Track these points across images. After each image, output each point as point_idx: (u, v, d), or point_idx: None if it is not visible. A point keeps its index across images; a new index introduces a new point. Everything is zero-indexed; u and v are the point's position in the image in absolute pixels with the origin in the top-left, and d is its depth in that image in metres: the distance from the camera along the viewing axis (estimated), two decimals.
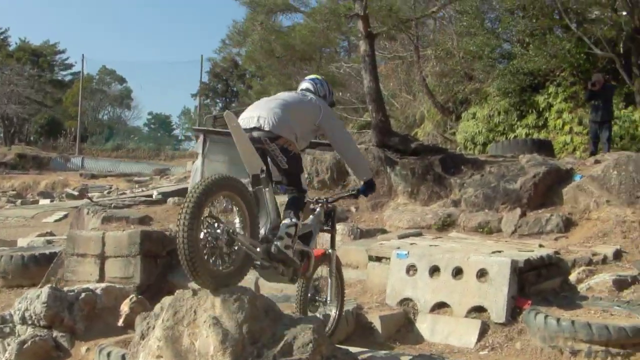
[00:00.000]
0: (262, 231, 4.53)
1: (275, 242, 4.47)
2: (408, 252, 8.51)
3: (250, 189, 4.49)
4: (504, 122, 19.44)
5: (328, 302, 5.49)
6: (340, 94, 26.45)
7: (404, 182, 12.70)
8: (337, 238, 10.21)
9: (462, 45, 20.66)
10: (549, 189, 11.41)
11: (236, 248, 4.22)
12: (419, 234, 10.62)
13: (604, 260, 8.94)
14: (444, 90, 22.37)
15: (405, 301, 8.33)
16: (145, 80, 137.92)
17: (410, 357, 4.47)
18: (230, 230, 4.15)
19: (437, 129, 22.48)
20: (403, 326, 8.09)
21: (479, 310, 7.81)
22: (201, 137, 21.76)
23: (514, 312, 7.69)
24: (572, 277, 8.61)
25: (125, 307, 7.72)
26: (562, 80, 18.45)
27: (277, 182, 4.92)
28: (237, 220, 4.31)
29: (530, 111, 19.00)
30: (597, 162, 11.82)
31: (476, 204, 11.47)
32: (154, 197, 16.34)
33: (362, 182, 5.38)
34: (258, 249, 4.39)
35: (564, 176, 11.63)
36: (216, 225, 4.13)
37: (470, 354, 7.39)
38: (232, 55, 56.17)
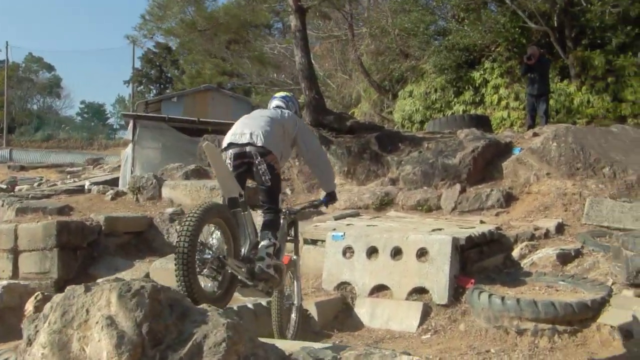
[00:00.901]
0: (242, 251, 4.67)
1: (258, 264, 4.63)
2: (344, 234, 8.03)
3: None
4: (441, 99, 19.20)
5: (295, 304, 5.69)
6: (275, 75, 25.81)
7: (340, 161, 12.21)
8: None
9: (396, 23, 20.27)
10: (488, 163, 11.11)
11: (225, 272, 4.39)
12: (356, 215, 10.16)
13: (547, 235, 8.72)
14: (379, 69, 21.98)
15: (342, 285, 7.93)
16: (76, 68, 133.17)
17: (351, 350, 3.87)
18: (221, 256, 4.31)
19: (374, 108, 22.11)
20: (341, 312, 7.68)
21: (420, 291, 7.47)
22: (131, 123, 20.94)
23: (456, 292, 7.38)
24: (515, 253, 8.36)
25: (30, 306, 6.90)
26: (497, 55, 18.26)
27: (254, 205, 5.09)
28: (223, 245, 4.44)
29: (466, 87, 18.78)
30: (535, 135, 11.57)
31: (414, 181, 11.07)
32: (86, 187, 15.46)
33: (325, 193, 5.63)
34: (243, 270, 4.55)
35: (504, 150, 11.35)
36: (207, 251, 4.26)
37: (412, 339, 7.00)
38: (153, 32, 54.64)
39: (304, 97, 13.31)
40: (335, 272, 7.97)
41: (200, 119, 21.44)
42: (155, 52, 61.18)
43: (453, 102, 18.91)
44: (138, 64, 61.49)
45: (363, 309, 7.57)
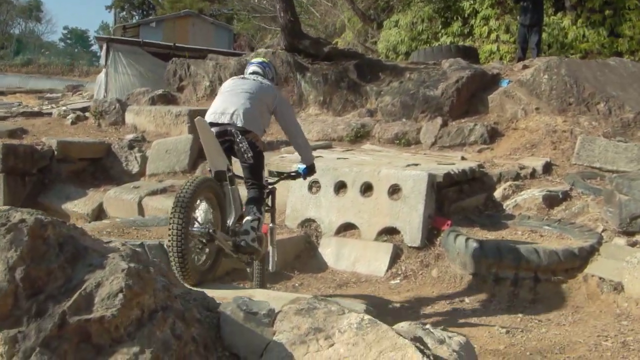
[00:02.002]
0: (228, 223, 4.78)
1: (243, 237, 4.72)
2: None
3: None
4: (428, 30, 18.18)
5: (271, 270, 5.60)
6: (256, 1, 24.62)
7: (315, 90, 11.39)
8: None
9: None
10: (473, 95, 10.33)
11: (212, 245, 4.54)
12: (328, 146, 9.42)
13: (533, 174, 8.12)
14: None
15: (307, 222, 7.26)
16: None
17: (292, 304, 3.12)
18: (211, 230, 4.40)
19: (358, 38, 21.07)
20: (304, 251, 7.02)
21: (390, 232, 6.81)
22: (104, 47, 19.96)
23: (430, 235, 6.74)
24: (498, 194, 7.75)
25: None
26: None
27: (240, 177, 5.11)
28: (210, 217, 4.55)
29: (455, 18, 17.75)
30: (525, 67, 10.74)
31: (393, 113, 10.27)
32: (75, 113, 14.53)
33: (304, 165, 5.53)
34: (229, 242, 4.66)
35: (490, 82, 10.56)
36: (197, 225, 4.37)
37: (380, 284, 6.39)
38: None
39: (279, 20, 12.33)
40: (300, 208, 7.25)
41: (177, 44, 20.56)
42: None
43: (440, 34, 17.94)
44: None
45: (328, 249, 6.92)
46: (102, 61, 20.38)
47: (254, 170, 5.00)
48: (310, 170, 5.57)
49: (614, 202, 6.53)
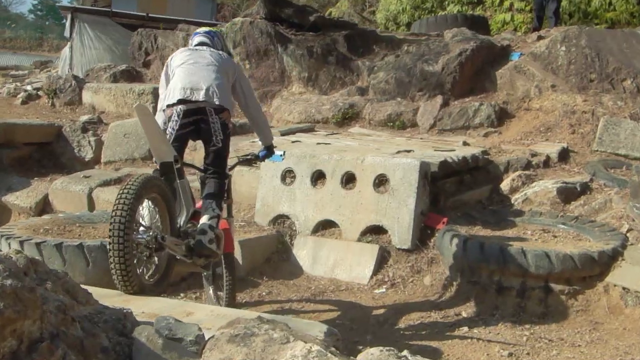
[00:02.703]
0: (178, 222, 4.58)
1: (199, 237, 4.48)
2: (284, 153, 6.80)
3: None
4: None
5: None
6: None
7: (299, 65, 10.89)
8: None
9: None
10: (479, 71, 9.86)
11: (161, 253, 4.29)
12: (310, 130, 8.96)
13: (547, 163, 7.71)
14: None
15: (279, 219, 6.86)
16: None
17: (227, 329, 2.69)
18: (159, 237, 4.16)
19: (354, 8, 20.63)
20: (275, 253, 6.61)
21: (376, 231, 6.40)
22: (68, 18, 19.49)
23: (423, 235, 6.36)
24: (505, 185, 7.35)
25: None
26: None
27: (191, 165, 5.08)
28: (157, 221, 4.34)
29: None
30: (540, 38, 10.26)
31: (387, 91, 9.81)
32: (34, 91, 14.04)
33: (263, 146, 5.42)
34: (182, 247, 4.43)
35: (499, 55, 10.09)
36: (142, 231, 4.14)
37: (362, 292, 6.05)
38: None
39: None
40: (271, 203, 6.81)
41: (150, 15, 20.11)
42: None
43: (447, 2, 17.57)
44: None
45: (304, 251, 6.51)
46: (67, 33, 19.89)
47: (221, 155, 4.82)
48: (269, 151, 5.42)
49: None
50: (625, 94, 8.71)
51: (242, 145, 7.69)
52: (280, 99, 10.49)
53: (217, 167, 4.81)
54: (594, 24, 14.06)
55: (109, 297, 3.77)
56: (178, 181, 4.54)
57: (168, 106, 4.70)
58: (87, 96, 11.20)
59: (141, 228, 4.15)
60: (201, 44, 5.15)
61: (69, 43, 19.34)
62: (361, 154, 6.61)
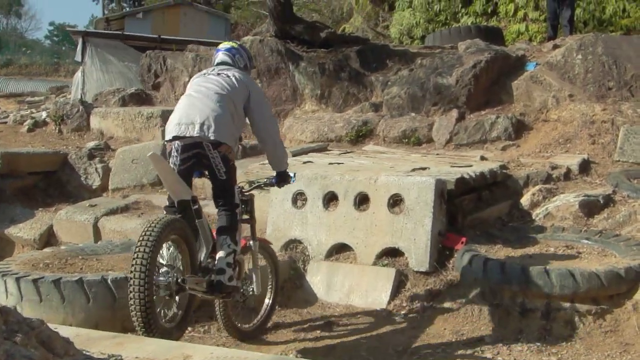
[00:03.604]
0: (200, 258, 4.69)
1: (219, 277, 4.59)
2: (294, 175, 6.54)
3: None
4: (446, 9, 17.59)
5: (255, 293, 5.31)
6: None
7: (311, 82, 10.73)
8: None
9: None
10: (494, 82, 9.65)
11: (184, 294, 4.43)
12: (323, 149, 8.77)
13: (567, 175, 7.50)
14: None
15: (291, 244, 6.67)
16: None
17: None
18: (179, 280, 4.29)
19: (367, 23, 20.47)
20: (288, 280, 6.38)
21: (392, 254, 6.19)
22: (80, 42, 19.49)
23: (441, 256, 6.13)
24: (525, 200, 7.14)
25: None
26: None
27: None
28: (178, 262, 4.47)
29: None
30: (556, 47, 10.05)
31: (401, 106, 9.60)
32: (42, 118, 13.98)
33: (275, 173, 5.36)
34: (203, 284, 4.53)
35: (514, 66, 9.89)
36: (163, 272, 4.28)
37: (380, 319, 5.81)
38: None
39: (267, 2, 11.69)
40: (283, 227, 6.61)
41: (162, 37, 20.08)
42: None
43: (460, 14, 17.42)
44: None
45: (317, 277, 6.30)
46: (78, 58, 19.90)
47: (226, 188, 4.83)
48: (281, 179, 5.36)
49: None
50: None
51: (251, 167, 7.54)
52: (293, 118, 10.31)
53: (224, 199, 4.81)
54: (609, 31, 13.85)
55: (102, 340, 3.57)
56: (197, 221, 4.64)
57: (167, 142, 4.76)
58: (95, 121, 11.06)
59: (162, 269, 4.28)
60: (222, 62, 5.11)
61: (81, 67, 19.36)
62: (374, 174, 6.41)
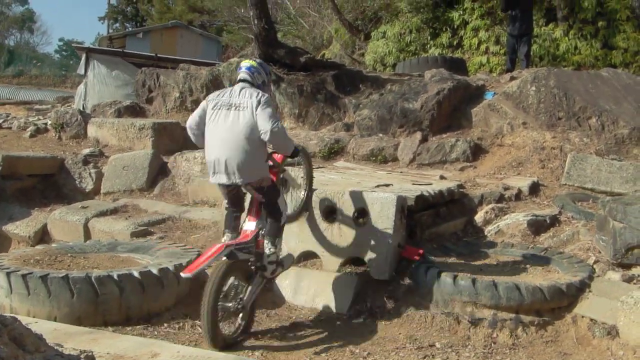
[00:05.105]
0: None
1: (263, 273, 5.26)
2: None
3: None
4: (416, 41, 17.45)
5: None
6: (242, 11, 23.99)
7: (290, 102, 10.59)
8: (197, 168, 8.13)
9: None
10: (455, 109, 9.49)
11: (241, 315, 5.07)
12: (298, 163, 8.54)
13: (518, 196, 7.33)
14: (352, 7, 20.13)
15: None
16: (53, 4, 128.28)
17: None
18: (240, 307, 5.01)
19: (345, 50, 20.32)
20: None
21: (356, 262, 6.06)
22: (83, 57, 19.25)
23: (400, 266, 5.95)
24: (479, 218, 6.99)
25: None
26: None
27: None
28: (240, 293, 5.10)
29: (444, 29, 17.04)
30: (513, 78, 9.95)
31: (370, 127, 9.48)
32: (47, 124, 13.67)
33: None
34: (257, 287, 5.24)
35: (474, 94, 9.73)
36: (228, 300, 4.94)
37: (341, 322, 5.61)
38: None
39: (253, 28, 11.54)
40: None
41: (159, 55, 19.88)
42: None
43: (429, 45, 17.24)
44: (115, 0, 58.90)
45: (286, 281, 6.11)
46: (81, 71, 19.65)
47: (269, 204, 5.24)
48: (293, 155, 5.48)
49: (607, 229, 5.75)
50: (591, 131, 8.36)
51: None
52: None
53: (268, 211, 5.27)
54: (562, 66, 13.78)
55: (78, 336, 3.45)
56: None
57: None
58: (91, 130, 10.84)
59: (227, 299, 4.93)
60: (243, 80, 5.23)
61: (84, 80, 19.13)
62: (342, 188, 6.27)
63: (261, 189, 5.11)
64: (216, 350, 4.57)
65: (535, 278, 5.42)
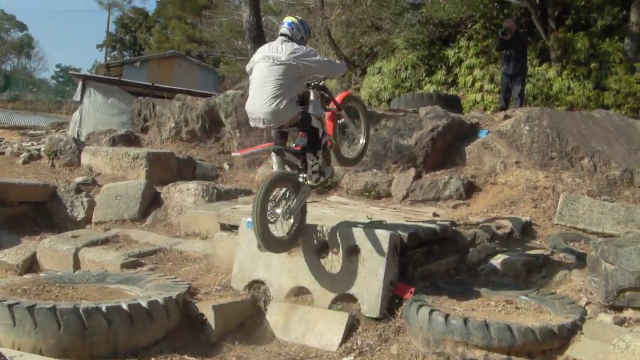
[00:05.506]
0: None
1: (308, 181, 5.92)
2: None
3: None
4: (412, 77, 17.66)
5: (353, 135, 7.11)
6: (240, 43, 24.15)
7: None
8: (190, 199, 8.09)
9: None
10: (449, 146, 9.55)
11: (292, 218, 5.81)
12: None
13: (510, 235, 7.30)
14: (349, 42, 20.34)
15: (255, 285, 6.39)
16: (51, 30, 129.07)
17: None
18: (286, 210, 5.69)
19: (340, 84, 20.45)
20: (249, 318, 6.11)
21: (347, 299, 5.95)
22: (80, 84, 19.31)
23: (392, 304, 5.87)
24: (472, 256, 6.91)
25: None
26: (473, 33, 16.69)
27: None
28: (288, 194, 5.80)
29: (439, 66, 17.27)
30: (507, 117, 10.02)
31: (364, 162, 9.47)
32: (41, 151, 13.64)
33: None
34: (305, 185, 5.92)
35: (468, 132, 9.79)
36: (277, 206, 5.65)
37: None
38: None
39: None
40: (248, 268, 6.39)
41: (155, 84, 20.00)
42: (132, 16, 59.11)
43: (424, 82, 17.47)
44: (113, 29, 59.29)
45: (276, 317, 6.04)
46: (77, 98, 19.69)
47: (304, 122, 5.83)
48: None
49: (599, 271, 5.72)
50: (583, 171, 8.40)
51: (223, 211, 7.35)
52: (266, 167, 10.16)
53: (305, 128, 5.85)
54: (555, 106, 13.92)
55: None
56: (287, 154, 5.89)
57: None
58: (85, 158, 10.82)
59: (277, 205, 5.62)
60: (283, 34, 5.85)
61: (79, 107, 19.15)
62: (335, 223, 6.24)
63: (295, 124, 5.79)
64: (269, 250, 5.75)
65: (527, 319, 5.37)
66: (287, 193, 5.74)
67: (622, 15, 14.46)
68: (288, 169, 6.00)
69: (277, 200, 5.64)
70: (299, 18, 6.14)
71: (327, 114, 6.26)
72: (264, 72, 5.66)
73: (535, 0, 15.15)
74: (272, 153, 5.96)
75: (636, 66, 13.84)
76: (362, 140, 7.05)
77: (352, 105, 6.99)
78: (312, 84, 6.07)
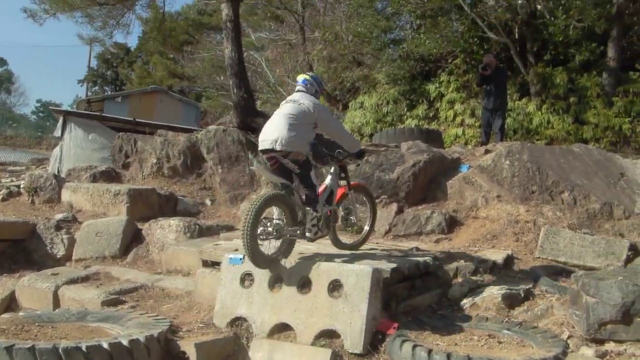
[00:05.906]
0: (298, 216, 6.24)
1: (307, 234, 6.26)
2: (244, 257, 6.42)
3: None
4: (393, 112, 17.86)
5: (355, 221, 7.23)
6: (222, 78, 24.29)
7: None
8: (171, 236, 8.07)
9: (350, 27, 18.81)
10: (431, 181, 9.64)
11: (283, 238, 6.16)
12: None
13: (493, 269, 7.30)
14: (331, 77, 20.53)
15: (237, 322, 6.36)
16: (32, 66, 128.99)
17: None
18: (277, 228, 6.04)
19: None
20: (232, 356, 6.10)
21: (330, 335, 5.91)
22: (60, 120, 19.22)
23: (375, 339, 5.84)
24: (454, 290, 6.93)
25: None
26: (454, 68, 16.94)
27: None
28: (282, 217, 6.15)
29: (420, 101, 17.47)
30: (487, 152, 10.14)
31: None
32: (20, 188, 13.56)
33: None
34: (298, 232, 6.19)
35: (450, 167, 9.88)
36: (269, 224, 6.02)
37: None
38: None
39: (232, 96, 11.70)
40: (230, 305, 6.37)
41: (137, 119, 19.96)
42: (113, 52, 59.22)
43: (406, 116, 17.65)
44: (95, 64, 59.33)
45: (259, 354, 5.99)
46: (57, 133, 19.59)
47: (303, 177, 6.23)
48: (360, 154, 6.94)
49: (580, 304, 5.77)
50: (564, 205, 8.51)
51: (205, 247, 7.36)
52: (248, 202, 10.19)
53: (305, 185, 6.26)
54: (535, 140, 14.12)
55: None
56: (290, 197, 6.14)
57: (260, 152, 6.33)
58: (66, 195, 10.80)
59: (269, 224, 5.98)
60: (298, 90, 6.46)
61: (60, 143, 19.03)
62: (318, 259, 6.27)
63: (296, 161, 6.11)
64: (255, 265, 6.03)
65: (509, 353, 5.39)
66: (280, 213, 6.13)
67: (600, 51, 14.74)
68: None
69: (269, 219, 6.03)
70: (310, 74, 6.78)
71: (339, 189, 6.78)
72: (285, 108, 6.20)
73: (515, 36, 15.44)
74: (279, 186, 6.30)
75: None
76: (366, 227, 7.40)
77: (362, 195, 7.47)
78: (337, 158, 6.73)
